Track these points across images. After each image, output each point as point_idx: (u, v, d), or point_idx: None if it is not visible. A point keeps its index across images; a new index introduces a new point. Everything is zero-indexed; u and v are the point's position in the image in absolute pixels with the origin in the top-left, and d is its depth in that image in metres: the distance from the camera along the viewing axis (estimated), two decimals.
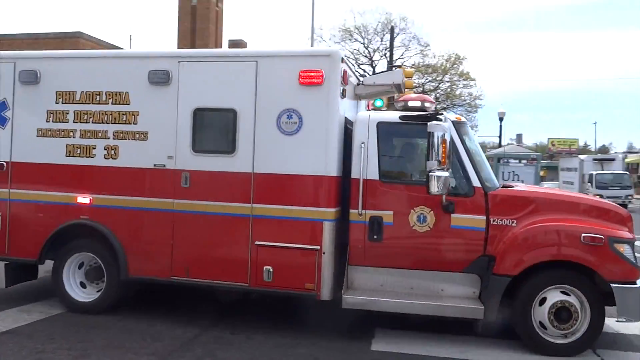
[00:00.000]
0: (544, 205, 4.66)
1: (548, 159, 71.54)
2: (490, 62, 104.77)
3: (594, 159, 29.55)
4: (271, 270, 4.78)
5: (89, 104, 5.26)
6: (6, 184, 5.45)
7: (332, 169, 4.71)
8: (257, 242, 4.82)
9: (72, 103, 5.31)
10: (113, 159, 5.19)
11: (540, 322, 4.48)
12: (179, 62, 5.02)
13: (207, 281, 4.98)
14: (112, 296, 5.25)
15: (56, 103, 5.35)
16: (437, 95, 32.82)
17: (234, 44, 33.92)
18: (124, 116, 5.17)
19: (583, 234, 4.38)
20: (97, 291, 5.33)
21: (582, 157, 30.97)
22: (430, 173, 4.30)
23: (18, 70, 5.42)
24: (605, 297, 4.41)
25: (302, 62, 4.72)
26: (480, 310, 4.51)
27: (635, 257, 4.46)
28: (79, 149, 5.30)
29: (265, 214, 4.82)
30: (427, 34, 50.47)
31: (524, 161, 26.72)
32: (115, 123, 5.19)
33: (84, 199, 5.23)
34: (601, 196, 25.22)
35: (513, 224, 4.59)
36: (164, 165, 5.05)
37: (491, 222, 4.61)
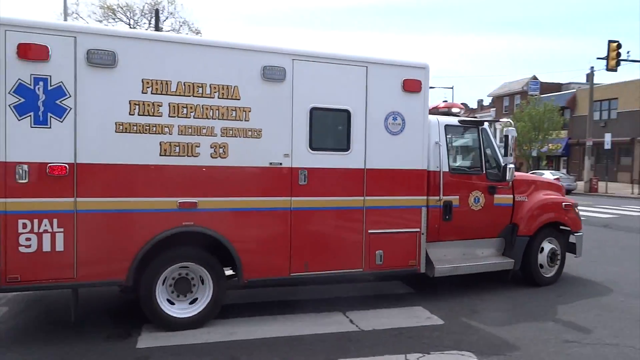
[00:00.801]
0: (538, 186, 6.89)
1: None
2: None
3: None
4: (382, 253, 5.49)
5: (189, 96, 4.69)
6: (70, 192, 4.30)
7: (426, 164, 5.76)
8: (370, 231, 5.44)
9: (166, 94, 4.60)
10: (222, 157, 4.81)
11: (540, 264, 6.67)
12: (292, 59, 5.06)
13: (325, 273, 5.27)
14: (218, 306, 4.89)
15: (143, 93, 4.52)
16: None
17: None
18: (234, 112, 4.84)
19: (563, 203, 6.80)
20: (190, 304, 4.83)
21: None
22: (508, 166, 5.93)
23: (85, 49, 4.32)
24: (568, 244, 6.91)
25: (405, 71, 5.56)
26: (512, 263, 6.41)
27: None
28: (177, 147, 4.66)
29: (376, 205, 5.48)
30: (197, 21, 50.09)
31: None
32: (223, 119, 4.81)
33: (189, 204, 4.66)
34: None
35: (525, 199, 6.67)
36: (281, 164, 5.03)
37: (515, 199, 6.56)
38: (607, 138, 27.80)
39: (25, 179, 4.17)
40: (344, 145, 5.32)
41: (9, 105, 4.13)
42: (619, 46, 21.11)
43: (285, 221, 5.05)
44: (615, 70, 21.41)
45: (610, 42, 21.59)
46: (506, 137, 6.09)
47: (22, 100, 4.16)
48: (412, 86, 5.56)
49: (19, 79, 4.15)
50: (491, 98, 59.15)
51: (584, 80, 39.54)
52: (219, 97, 4.79)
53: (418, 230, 5.66)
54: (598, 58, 22.99)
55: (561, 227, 6.87)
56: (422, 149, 5.71)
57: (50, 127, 4.24)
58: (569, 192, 27.69)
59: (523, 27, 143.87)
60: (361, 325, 4.99)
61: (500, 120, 7.11)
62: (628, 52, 21.18)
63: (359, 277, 6.15)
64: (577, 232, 6.94)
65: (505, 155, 6.13)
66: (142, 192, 4.52)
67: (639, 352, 4.40)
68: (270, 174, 5.00)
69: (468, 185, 6.23)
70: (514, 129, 6.24)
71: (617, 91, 34.93)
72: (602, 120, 35.31)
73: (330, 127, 5.34)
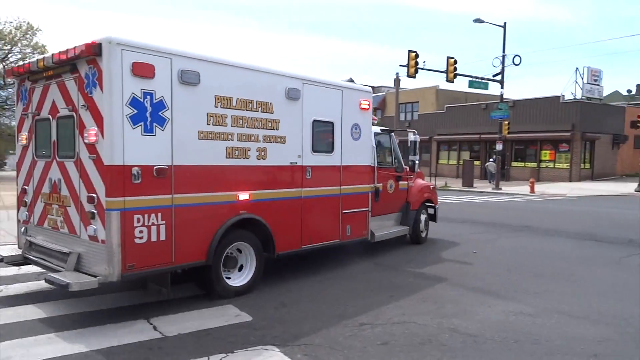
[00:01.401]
0: (416, 175, 9.99)
1: None
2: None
3: None
4: (350, 227, 7.69)
5: (243, 110, 5.97)
6: (169, 190, 5.21)
7: (372, 161, 8.14)
8: (343, 211, 7.56)
9: (230, 108, 5.80)
10: (263, 159, 6.25)
11: (420, 229, 9.86)
12: (303, 83, 6.75)
13: (319, 244, 7.18)
14: (260, 276, 6.35)
15: (215, 107, 5.64)
16: (5, 65, 29.17)
17: None
18: (270, 123, 6.31)
19: (430, 186, 10.21)
20: (240, 275, 6.15)
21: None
22: (416, 161, 8.80)
23: (177, 69, 5.23)
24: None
25: (361, 94, 7.78)
26: (408, 229, 9.45)
27: None
28: (237, 151, 5.92)
29: (347, 192, 7.60)
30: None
31: None
32: (263, 128, 6.23)
33: (244, 196, 5.99)
34: None
35: (412, 184, 9.73)
36: (296, 163, 6.72)
37: (408, 185, 9.56)
38: (411, 137, 33.72)
39: (138, 179, 4.94)
40: (330, 148, 7.27)
41: (126, 116, 4.85)
42: (417, 56, 24.20)
43: (298, 207, 6.77)
44: (414, 77, 24.60)
45: (409, 51, 24.10)
46: (413, 142, 9.01)
47: (135, 111, 4.92)
48: (366, 104, 7.83)
49: (133, 92, 4.89)
50: None
51: (392, 84, 44.70)
52: (261, 111, 6.21)
53: (367, 209, 8.02)
54: (401, 65, 25.56)
55: (427, 203, 10.18)
56: (371, 151, 8.10)
57: (155, 135, 5.09)
58: None
59: (341, 32, 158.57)
60: (165, 331, 4.82)
61: (408, 129, 9.97)
62: (424, 62, 25.70)
63: (337, 246, 7.71)
64: (436, 206, 10.39)
65: (413, 154, 9.06)
66: (215, 187, 5.69)
67: (421, 326, 5.08)
68: (291, 170, 6.66)
69: (386, 175, 8.90)
70: (417, 135, 9.21)
71: (417, 96, 42.34)
72: (407, 120, 42.05)
73: (323, 135, 7.20)
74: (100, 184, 4.85)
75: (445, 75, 25.43)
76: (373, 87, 50.77)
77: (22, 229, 6.15)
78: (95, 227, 4.90)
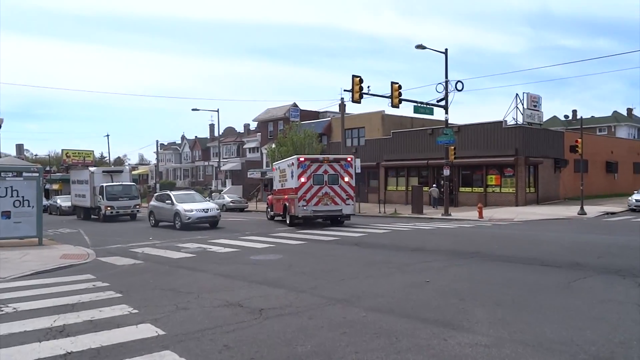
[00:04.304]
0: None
1: (64, 171, 67.62)
2: None
3: (104, 171, 33.57)
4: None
5: None
6: None
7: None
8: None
9: None
10: None
11: None
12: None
13: None
14: None
15: None
16: None
17: None
18: None
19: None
20: None
21: (92, 169, 34.15)
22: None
23: None
24: None
25: None
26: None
27: None
28: None
29: None
30: None
31: (26, 174, 27.25)
32: None
33: None
34: (112, 207, 30.30)
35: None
36: None
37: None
38: (357, 163, 32.96)
39: None
40: None
41: None
42: (361, 81, 24.67)
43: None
44: (359, 102, 25.03)
45: (354, 76, 24.54)
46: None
47: None
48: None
49: None
50: (257, 123, 63.39)
51: (337, 109, 45.47)
52: None
53: None
54: (345, 90, 26.18)
55: None
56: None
57: None
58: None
59: (277, 55, 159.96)
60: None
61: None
62: (369, 87, 25.80)
63: None
64: None
65: None
66: None
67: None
68: None
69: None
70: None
71: (363, 121, 43.21)
72: (353, 146, 42.95)
73: None
74: None
75: (390, 100, 26.29)
76: (318, 113, 52.21)
77: None
78: None
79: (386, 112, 42.10)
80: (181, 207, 23.09)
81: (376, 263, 11.43)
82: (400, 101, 26.38)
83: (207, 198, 39.23)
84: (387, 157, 40.69)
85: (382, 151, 41.13)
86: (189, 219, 22.57)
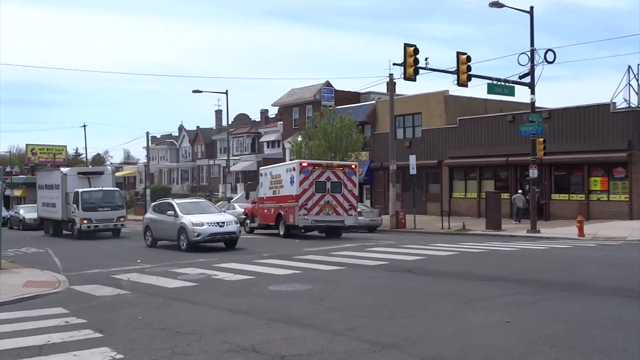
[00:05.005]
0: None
1: (28, 173, 70.09)
2: None
3: (79, 173, 34.11)
4: None
5: None
6: None
7: None
8: None
9: None
10: None
11: None
12: None
13: None
14: None
15: None
16: None
17: None
18: None
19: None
20: None
21: (64, 170, 34.89)
22: None
23: None
24: None
25: None
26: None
27: None
28: None
29: None
30: None
31: None
32: None
33: None
34: (90, 220, 30.68)
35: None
36: None
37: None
38: (412, 161, 33.24)
39: None
40: None
41: None
42: (416, 51, 24.41)
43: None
44: (414, 79, 24.97)
45: (406, 45, 24.58)
46: None
47: None
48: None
49: None
50: (277, 109, 63.58)
51: (385, 89, 45.29)
52: None
53: None
54: (395, 64, 26.14)
55: None
56: None
57: None
58: (373, 228, 32.28)
59: (304, 19, 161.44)
60: None
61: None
62: (426, 59, 25.91)
63: None
64: None
65: None
66: None
67: None
68: None
69: None
70: None
71: (420, 105, 42.95)
72: (407, 139, 42.93)
73: None
74: None
75: (456, 76, 26.03)
76: (359, 94, 52.16)
77: None
78: None
79: (450, 93, 41.74)
80: (188, 219, 22.56)
81: (437, 296, 11.39)
82: (469, 78, 26.17)
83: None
84: (452, 154, 40.37)
85: (446, 145, 40.82)
86: (198, 235, 22.07)
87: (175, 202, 24.84)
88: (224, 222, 22.79)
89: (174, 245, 23.51)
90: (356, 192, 27.37)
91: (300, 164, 26.82)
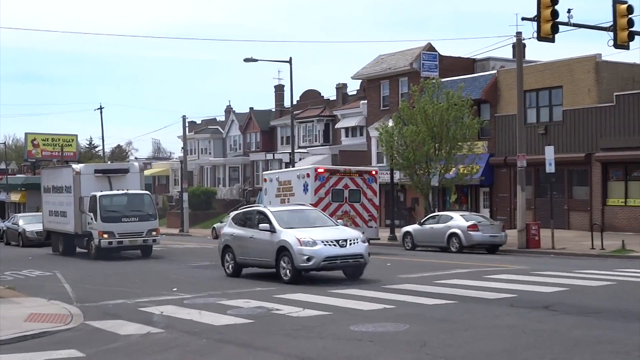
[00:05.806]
0: None
1: (29, 171, 72.96)
2: None
3: (97, 171, 34.72)
4: None
5: None
6: None
7: None
8: None
9: None
10: None
11: None
12: None
13: None
14: None
15: None
16: None
17: None
18: None
19: None
20: None
21: (77, 167, 35.50)
22: None
23: None
24: None
25: None
26: None
27: None
28: None
29: None
30: None
31: None
32: None
33: None
34: (112, 234, 30.80)
35: None
36: None
37: None
38: (549, 154, 32.59)
39: None
40: None
41: None
42: (555, 0, 24.02)
43: None
44: (552, 40, 24.76)
45: None
46: None
47: None
48: None
49: None
50: (359, 82, 63.64)
51: (510, 54, 45.07)
52: None
53: None
54: (524, 19, 26.47)
55: None
56: None
57: None
58: (494, 247, 32.11)
59: None
60: None
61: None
62: (569, 12, 25.81)
63: None
64: None
65: None
66: None
67: None
68: None
69: None
70: None
71: (559, 75, 42.02)
72: (541, 123, 42.19)
73: None
74: None
75: (612, 34, 25.41)
76: (473, 61, 51.51)
77: None
78: None
79: (604, 58, 40.66)
80: (292, 236, 20.89)
81: (588, 344, 11.24)
82: (631, 36, 25.48)
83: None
84: (606, 144, 39.43)
85: (598, 132, 39.96)
86: (309, 260, 20.26)
87: (269, 210, 23.27)
88: (345, 240, 20.90)
89: (264, 273, 22.91)
90: (376, 201, 33.60)
91: (316, 169, 32.76)
